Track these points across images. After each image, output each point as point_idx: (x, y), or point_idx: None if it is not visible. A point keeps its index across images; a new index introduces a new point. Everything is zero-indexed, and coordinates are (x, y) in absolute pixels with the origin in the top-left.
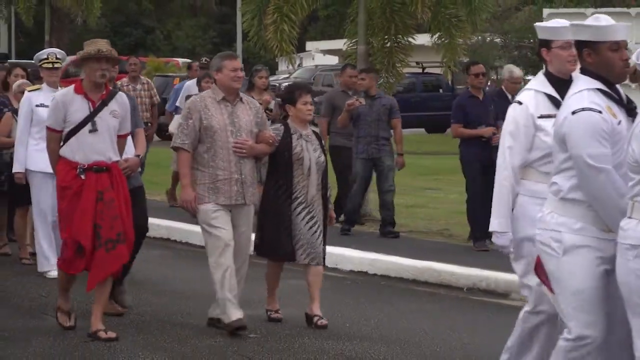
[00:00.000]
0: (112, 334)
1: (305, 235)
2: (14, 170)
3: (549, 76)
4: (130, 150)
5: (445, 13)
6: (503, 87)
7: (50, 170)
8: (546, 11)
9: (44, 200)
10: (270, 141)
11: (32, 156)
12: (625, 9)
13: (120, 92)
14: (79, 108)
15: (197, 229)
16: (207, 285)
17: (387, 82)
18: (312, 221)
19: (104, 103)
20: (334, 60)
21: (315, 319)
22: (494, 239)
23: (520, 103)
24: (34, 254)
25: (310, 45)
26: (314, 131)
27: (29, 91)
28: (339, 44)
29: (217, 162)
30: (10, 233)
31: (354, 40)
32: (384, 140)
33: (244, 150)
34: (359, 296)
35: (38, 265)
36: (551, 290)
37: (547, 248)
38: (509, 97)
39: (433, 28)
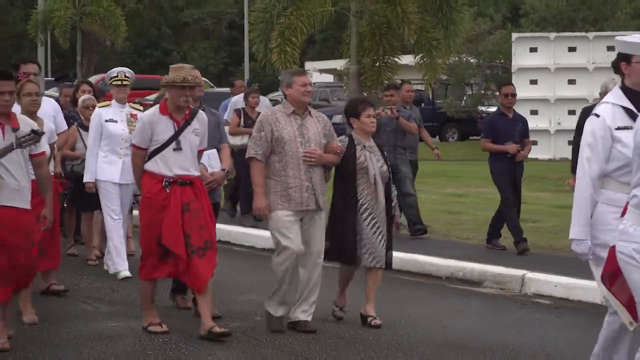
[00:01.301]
0: (224, 329)
1: (370, 239)
2: (85, 180)
3: (626, 90)
4: (216, 165)
5: (426, 36)
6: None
7: (117, 180)
8: (515, 35)
9: (112, 204)
10: (338, 151)
11: (100, 167)
12: (584, 33)
13: (200, 111)
14: (165, 128)
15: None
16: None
17: (376, 96)
18: (376, 226)
19: (187, 122)
20: (329, 78)
21: (369, 319)
22: (573, 246)
23: (597, 115)
24: (100, 257)
25: (308, 65)
26: (377, 144)
27: (100, 107)
28: (334, 64)
29: (287, 171)
30: (77, 235)
31: (347, 61)
32: (400, 149)
33: (313, 160)
34: (351, 284)
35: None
36: (619, 300)
37: (631, 260)
38: None
39: (416, 50)
